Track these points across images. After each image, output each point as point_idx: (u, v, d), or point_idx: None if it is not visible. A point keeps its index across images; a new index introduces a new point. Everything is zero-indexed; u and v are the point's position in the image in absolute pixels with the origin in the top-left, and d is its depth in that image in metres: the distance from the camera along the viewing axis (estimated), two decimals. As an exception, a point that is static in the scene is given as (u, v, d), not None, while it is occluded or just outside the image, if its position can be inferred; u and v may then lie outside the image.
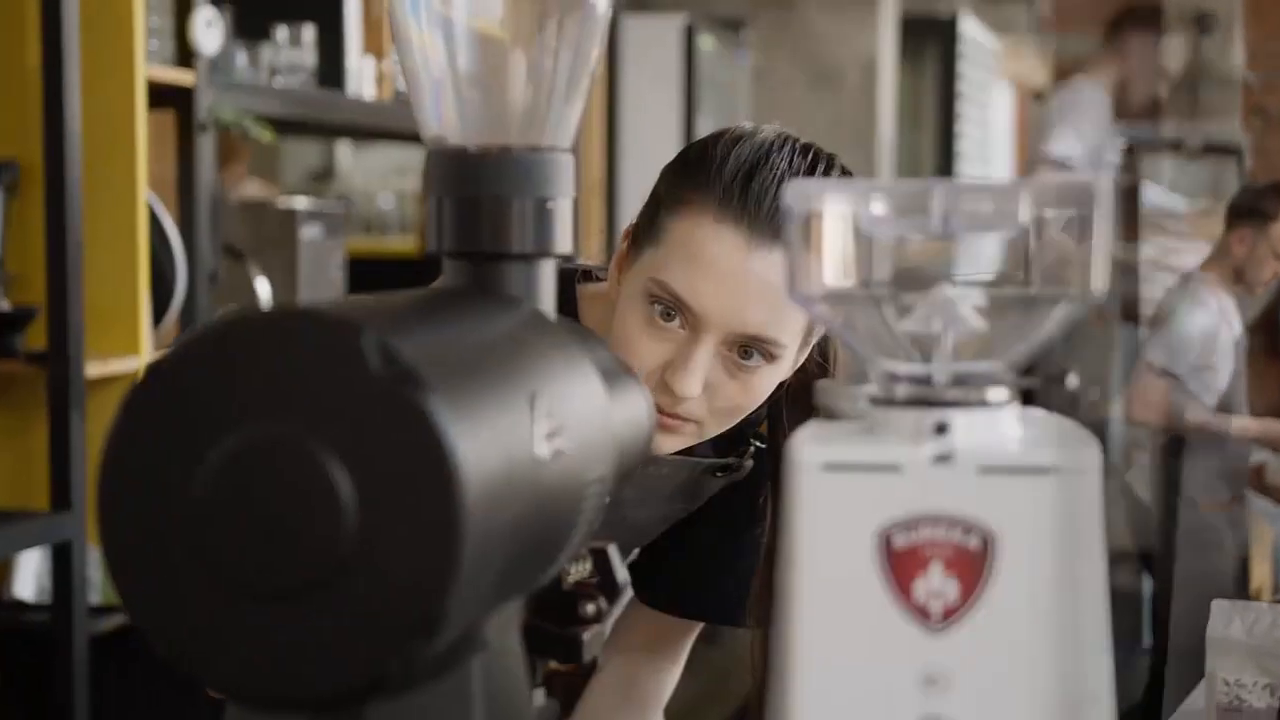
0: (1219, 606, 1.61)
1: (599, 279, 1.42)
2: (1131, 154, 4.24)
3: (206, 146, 2.78)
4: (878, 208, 0.65)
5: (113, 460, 0.59)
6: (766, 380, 1.26)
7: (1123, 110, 4.30)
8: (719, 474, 1.41)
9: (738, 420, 1.29)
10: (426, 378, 0.58)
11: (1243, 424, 4.02)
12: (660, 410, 1.23)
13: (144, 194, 2.56)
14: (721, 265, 1.21)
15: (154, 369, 0.59)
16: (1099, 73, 4.33)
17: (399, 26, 0.78)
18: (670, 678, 1.55)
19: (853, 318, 0.67)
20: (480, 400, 0.61)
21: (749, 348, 1.23)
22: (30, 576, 2.78)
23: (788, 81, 6.08)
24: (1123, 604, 4.06)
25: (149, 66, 2.61)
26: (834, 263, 0.66)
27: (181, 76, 2.74)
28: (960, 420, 0.64)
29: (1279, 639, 1.57)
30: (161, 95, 2.72)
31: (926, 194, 0.65)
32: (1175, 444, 4.03)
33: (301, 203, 3.20)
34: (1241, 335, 4.00)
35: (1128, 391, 4.07)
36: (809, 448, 0.64)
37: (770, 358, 1.24)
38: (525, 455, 0.63)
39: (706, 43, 6.00)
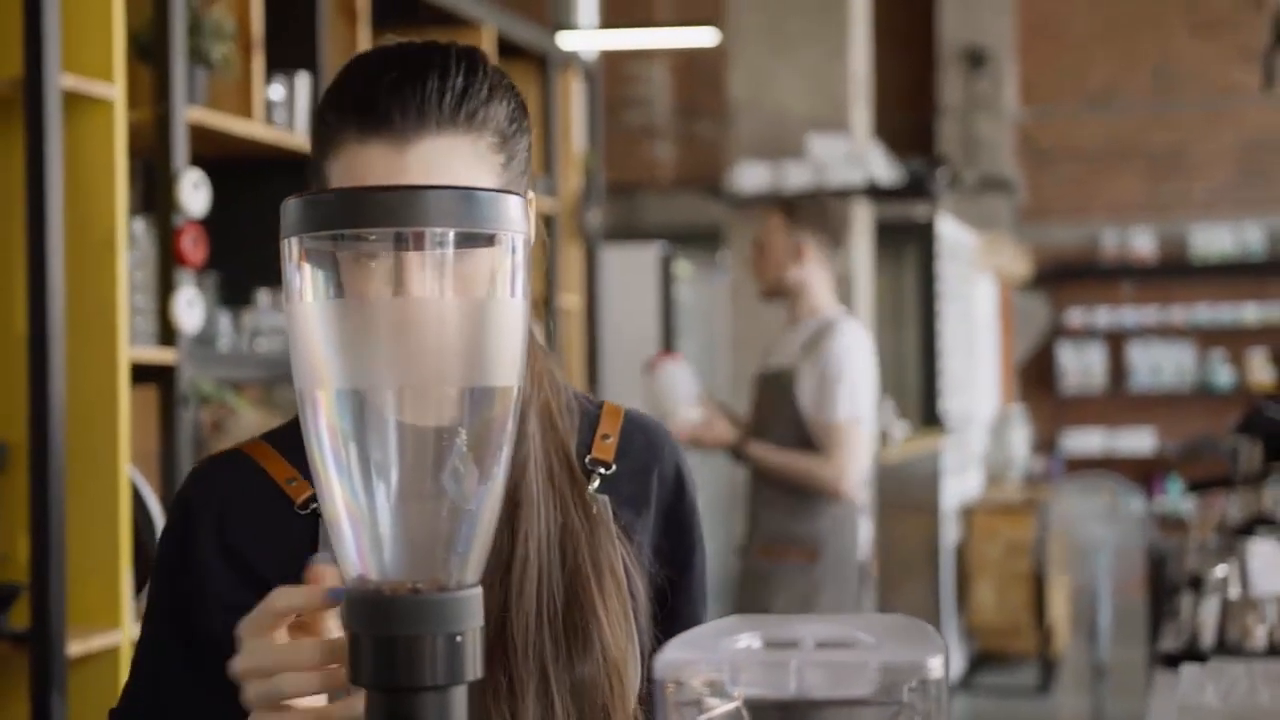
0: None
1: None
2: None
3: (187, 419, 2.87)
4: (741, 676, 0.72)
5: None
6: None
7: None
8: None
9: None
10: None
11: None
12: None
13: (126, 470, 2.64)
14: (378, 173, 1.16)
15: None
16: None
17: (319, 477, 0.86)
18: None
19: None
20: None
21: None
22: None
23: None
24: None
25: (132, 348, 2.71)
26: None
27: (163, 355, 2.84)
28: None
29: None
30: (145, 372, 2.82)
31: (785, 664, 0.72)
32: None
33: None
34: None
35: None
36: None
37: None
38: None
39: (684, 269, 6.15)
